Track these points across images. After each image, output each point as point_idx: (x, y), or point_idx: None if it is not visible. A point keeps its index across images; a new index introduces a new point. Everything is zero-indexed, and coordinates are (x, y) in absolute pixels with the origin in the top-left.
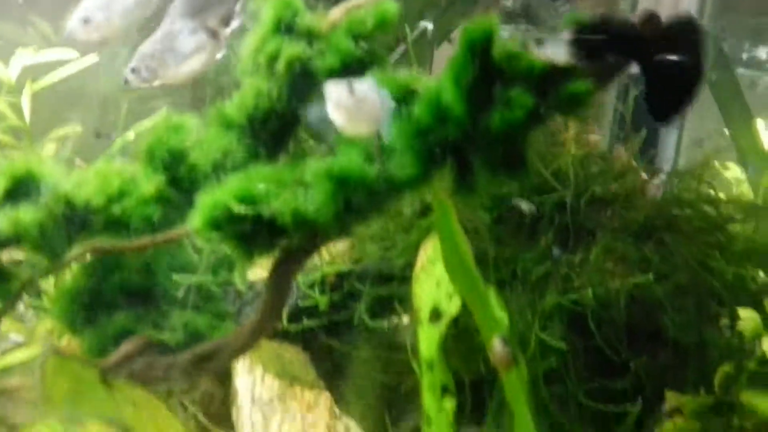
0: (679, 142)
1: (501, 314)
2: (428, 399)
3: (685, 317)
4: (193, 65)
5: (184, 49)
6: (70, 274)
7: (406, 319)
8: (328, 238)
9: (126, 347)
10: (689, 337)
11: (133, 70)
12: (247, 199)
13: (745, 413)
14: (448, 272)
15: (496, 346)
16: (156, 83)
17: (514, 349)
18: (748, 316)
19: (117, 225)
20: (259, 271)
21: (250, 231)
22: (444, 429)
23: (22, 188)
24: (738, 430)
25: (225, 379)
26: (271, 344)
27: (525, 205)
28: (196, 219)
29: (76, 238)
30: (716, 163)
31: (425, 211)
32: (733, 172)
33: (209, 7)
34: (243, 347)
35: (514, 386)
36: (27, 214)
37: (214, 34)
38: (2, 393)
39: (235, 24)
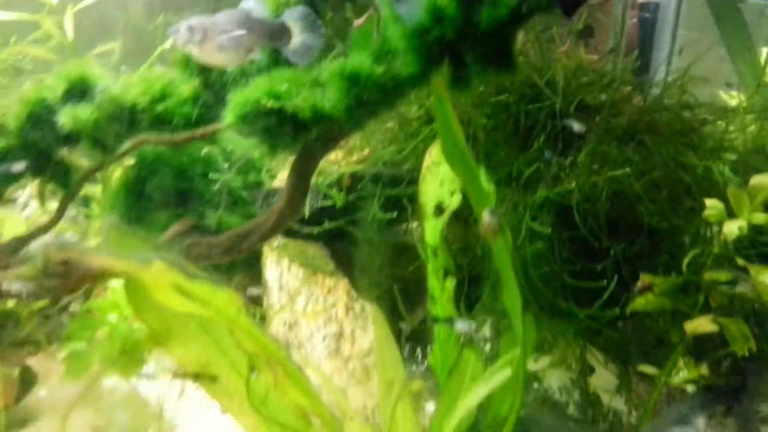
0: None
1: (489, 189)
2: (433, 281)
3: (659, 207)
4: (225, 58)
5: (226, 42)
6: (115, 180)
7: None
8: (342, 132)
9: (176, 227)
10: (662, 225)
11: (190, 29)
12: (272, 96)
13: (710, 291)
14: (444, 154)
15: (485, 217)
16: (195, 51)
17: (501, 222)
18: (713, 205)
19: (160, 122)
20: (282, 177)
21: (275, 124)
22: (446, 304)
23: (77, 90)
24: (702, 306)
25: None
26: (295, 242)
27: (576, 126)
28: (229, 114)
29: (126, 135)
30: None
31: (430, 119)
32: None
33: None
34: (272, 229)
35: (501, 252)
36: (84, 112)
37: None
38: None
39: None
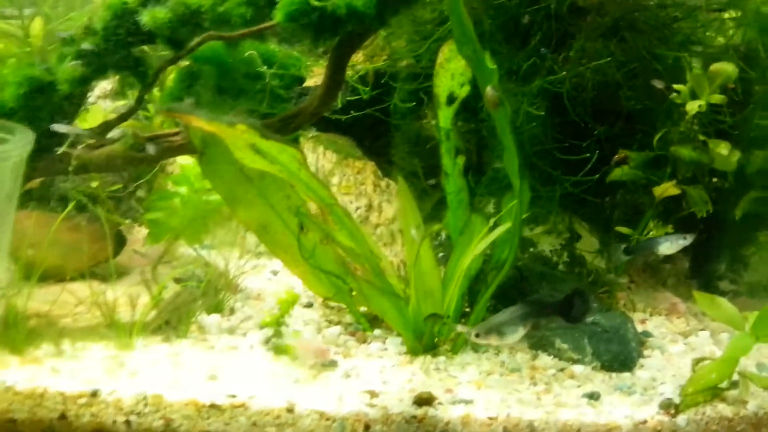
0: None
1: (493, 67)
2: (446, 160)
3: (636, 93)
4: None
5: None
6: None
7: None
8: (371, 28)
9: (235, 114)
10: (637, 108)
11: None
12: None
13: (676, 163)
14: (456, 42)
15: (488, 92)
16: None
17: (501, 95)
18: (679, 88)
19: (220, 22)
20: (314, 78)
21: (317, 21)
22: (457, 179)
23: None
24: (669, 176)
25: None
26: (326, 134)
27: (659, 84)
28: (278, 14)
29: (193, 33)
30: None
31: (441, 22)
32: None
33: None
34: (315, 111)
35: (502, 121)
36: (160, 13)
37: None
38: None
39: None
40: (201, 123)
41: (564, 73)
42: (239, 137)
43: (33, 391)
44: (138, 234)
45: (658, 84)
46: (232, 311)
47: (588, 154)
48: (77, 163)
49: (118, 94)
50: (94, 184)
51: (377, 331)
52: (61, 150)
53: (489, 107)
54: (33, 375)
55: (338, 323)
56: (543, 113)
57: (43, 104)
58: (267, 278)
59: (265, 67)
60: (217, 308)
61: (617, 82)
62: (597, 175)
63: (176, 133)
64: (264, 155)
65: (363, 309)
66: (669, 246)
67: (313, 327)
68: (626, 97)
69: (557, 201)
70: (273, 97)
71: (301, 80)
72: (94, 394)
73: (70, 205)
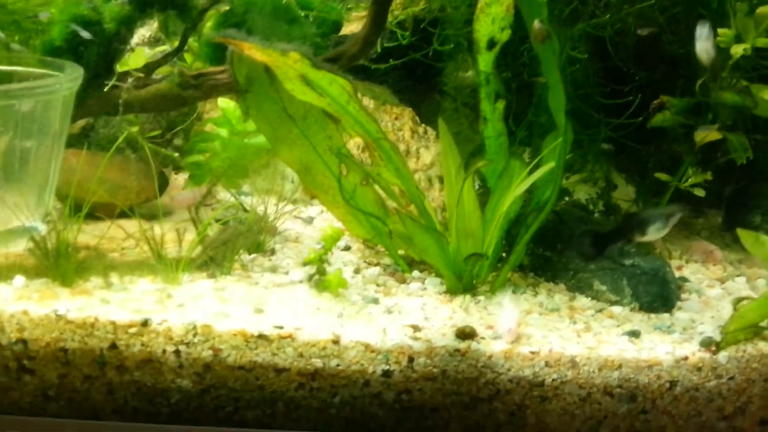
0: None
1: (541, 2)
2: (485, 105)
3: (678, 38)
4: None
5: None
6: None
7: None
8: None
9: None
10: (680, 53)
11: None
12: None
13: (717, 110)
14: None
15: (536, 26)
16: None
17: (549, 29)
18: (724, 32)
19: None
20: (350, 27)
21: None
22: (497, 123)
23: None
24: (710, 123)
25: None
26: (363, 83)
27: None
28: None
29: None
30: None
31: None
32: None
33: None
34: (358, 53)
35: (549, 57)
36: None
37: None
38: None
39: None
40: (254, 50)
41: (607, 17)
42: (291, 66)
43: (84, 321)
44: (175, 180)
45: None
46: (272, 252)
47: (630, 98)
48: (125, 99)
49: (156, 41)
50: (135, 129)
51: (415, 273)
52: (107, 88)
53: (536, 41)
54: (84, 305)
55: (377, 265)
56: (585, 56)
57: (90, 43)
58: (303, 223)
59: (303, 13)
60: (258, 248)
61: (660, 25)
62: (639, 119)
63: (221, 71)
64: (314, 87)
65: (400, 252)
66: (658, 228)
67: (351, 268)
68: (669, 42)
69: (600, 143)
70: (310, 44)
71: (337, 29)
72: (145, 323)
73: (122, 138)
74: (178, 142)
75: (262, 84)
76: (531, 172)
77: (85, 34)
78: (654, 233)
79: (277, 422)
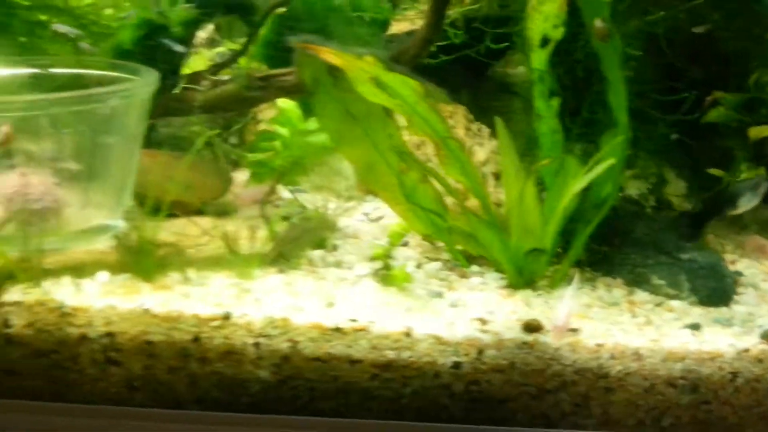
0: None
1: (604, 1)
2: (539, 102)
3: (732, 35)
4: None
5: None
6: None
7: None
8: None
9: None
10: (734, 50)
11: None
12: None
13: None
14: None
15: (597, 24)
16: None
17: (611, 28)
18: None
19: None
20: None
21: None
22: (551, 120)
23: None
24: (765, 119)
25: None
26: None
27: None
28: None
29: None
30: None
31: None
32: None
33: None
34: (417, 52)
35: (610, 55)
36: None
37: None
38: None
39: None
40: (331, 54)
41: (662, 13)
42: (365, 70)
43: (169, 314)
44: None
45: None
46: (334, 248)
47: (686, 95)
48: (200, 102)
49: (211, 42)
50: (196, 129)
51: (474, 268)
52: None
53: (597, 40)
54: (166, 299)
55: (436, 260)
56: (641, 53)
57: (158, 46)
58: (359, 220)
59: (355, 13)
60: (320, 245)
61: (714, 21)
62: (695, 114)
63: (288, 73)
64: (385, 88)
65: (458, 247)
66: (749, 199)
67: (413, 263)
68: (723, 39)
69: (659, 140)
70: (362, 44)
71: (386, 28)
72: (227, 317)
73: (201, 139)
74: (233, 141)
75: (326, 85)
76: (588, 169)
77: (180, 48)
78: (745, 204)
79: (350, 412)
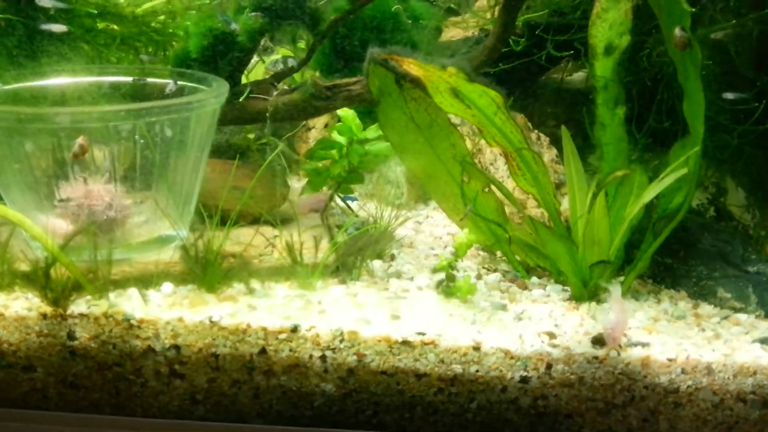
0: None
1: (686, 11)
2: (602, 111)
3: None
4: None
5: None
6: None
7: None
8: None
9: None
10: None
11: None
12: None
13: None
14: None
15: (677, 33)
16: None
17: (691, 37)
18: None
19: None
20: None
21: None
22: (616, 129)
23: None
24: None
25: None
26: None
27: None
28: None
29: None
30: None
31: None
32: None
33: None
34: (484, 61)
35: (688, 64)
36: None
37: None
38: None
39: None
40: (413, 66)
41: (733, 22)
42: (445, 80)
43: (237, 327)
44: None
45: None
46: (392, 257)
47: (756, 104)
48: (272, 110)
49: (265, 50)
50: (251, 137)
51: (534, 279)
52: (242, 99)
53: (676, 49)
54: (233, 311)
55: (495, 271)
56: (709, 62)
57: (224, 55)
58: (412, 229)
59: (410, 21)
60: (378, 255)
61: None
62: (764, 125)
63: (354, 83)
64: (463, 99)
65: (517, 257)
66: None
67: (472, 274)
68: None
69: (723, 149)
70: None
71: (439, 35)
72: (294, 329)
73: (272, 154)
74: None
75: (392, 94)
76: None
77: (282, 67)
78: None
79: (414, 426)
